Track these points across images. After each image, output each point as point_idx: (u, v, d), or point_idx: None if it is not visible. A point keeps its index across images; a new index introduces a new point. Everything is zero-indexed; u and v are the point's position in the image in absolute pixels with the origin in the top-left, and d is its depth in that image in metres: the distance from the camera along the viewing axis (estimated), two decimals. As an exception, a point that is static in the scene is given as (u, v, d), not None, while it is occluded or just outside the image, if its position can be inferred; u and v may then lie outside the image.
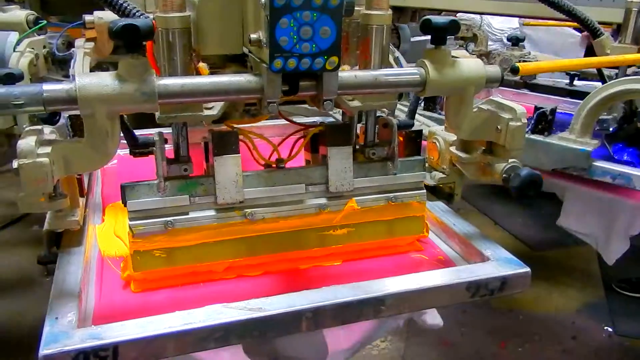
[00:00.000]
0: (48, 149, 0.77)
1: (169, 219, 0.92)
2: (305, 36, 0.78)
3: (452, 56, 0.91)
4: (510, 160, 1.03)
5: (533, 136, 1.55)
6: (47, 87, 0.75)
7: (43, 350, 0.75)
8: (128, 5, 0.95)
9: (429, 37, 0.93)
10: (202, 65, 0.90)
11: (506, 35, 2.45)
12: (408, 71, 0.92)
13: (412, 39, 2.38)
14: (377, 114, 1.03)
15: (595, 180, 1.48)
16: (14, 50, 1.65)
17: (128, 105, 0.77)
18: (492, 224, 4.31)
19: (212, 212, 0.95)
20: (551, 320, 3.23)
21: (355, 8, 0.94)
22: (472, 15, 2.31)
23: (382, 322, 1.09)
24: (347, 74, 0.88)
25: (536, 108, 1.54)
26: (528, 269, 0.97)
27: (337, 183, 1.00)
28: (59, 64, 1.85)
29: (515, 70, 1.21)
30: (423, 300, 0.92)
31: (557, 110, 1.56)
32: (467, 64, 0.92)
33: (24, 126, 1.52)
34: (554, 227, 4.08)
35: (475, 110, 0.98)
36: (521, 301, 3.39)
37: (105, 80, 0.75)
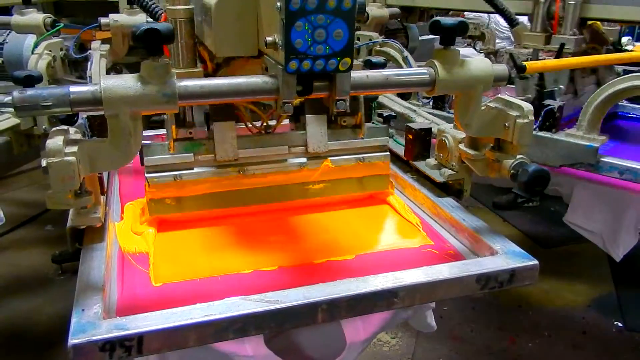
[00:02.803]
0: (74, 148, 0.81)
1: (177, 172, 1.09)
2: (320, 38, 0.82)
3: (461, 56, 0.94)
4: (518, 157, 1.06)
5: (541, 133, 1.58)
6: (73, 89, 0.79)
7: (72, 340, 0.78)
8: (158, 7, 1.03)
9: (437, 36, 0.96)
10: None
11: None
12: (418, 71, 0.95)
13: (421, 38, 2.41)
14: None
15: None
16: (33, 53, 1.70)
17: (150, 106, 0.81)
18: (501, 221, 4.32)
19: (212, 168, 1.13)
20: (561, 316, 3.24)
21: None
22: (480, 14, 2.33)
23: (396, 313, 1.12)
24: (359, 74, 0.91)
25: (543, 106, 1.57)
26: (536, 262, 1.00)
27: (314, 145, 1.18)
28: (73, 65, 1.90)
29: (522, 69, 1.24)
30: (434, 292, 0.95)
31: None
32: (476, 63, 0.95)
33: (43, 127, 1.57)
34: (562, 224, 4.09)
35: (483, 108, 1.01)
36: (530, 297, 3.41)
37: (129, 82, 0.79)
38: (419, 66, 1.11)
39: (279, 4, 0.80)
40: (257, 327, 0.86)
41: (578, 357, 2.87)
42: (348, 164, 1.22)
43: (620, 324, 3.13)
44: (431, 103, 1.90)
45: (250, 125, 1.17)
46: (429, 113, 1.51)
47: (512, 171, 1.06)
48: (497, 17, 3.03)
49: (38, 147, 1.60)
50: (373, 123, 1.36)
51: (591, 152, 1.50)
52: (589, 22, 1.68)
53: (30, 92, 0.78)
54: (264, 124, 1.18)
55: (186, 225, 1.15)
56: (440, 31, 0.93)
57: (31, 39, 1.87)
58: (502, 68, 0.97)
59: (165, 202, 1.11)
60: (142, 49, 0.79)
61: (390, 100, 1.52)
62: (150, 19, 1.16)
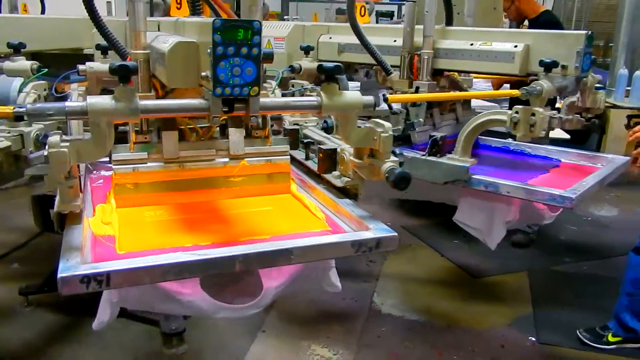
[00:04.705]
0: (67, 144, 1.19)
1: (135, 165, 1.53)
2: (237, 74, 1.23)
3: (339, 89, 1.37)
4: (390, 164, 1.48)
5: (429, 157, 2.02)
6: (68, 104, 1.18)
7: (60, 274, 1.13)
8: (124, 48, 1.46)
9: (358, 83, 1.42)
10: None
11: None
12: (309, 99, 1.37)
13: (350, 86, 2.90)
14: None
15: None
16: (20, 92, 2.07)
17: (121, 117, 1.20)
18: (439, 256, 4.74)
19: (160, 163, 1.55)
20: (484, 334, 3.62)
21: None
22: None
23: (303, 271, 1.55)
24: (267, 99, 1.32)
25: (430, 136, 2.01)
26: (396, 234, 1.39)
27: (234, 149, 1.61)
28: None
29: (386, 99, 1.67)
30: (321, 252, 1.33)
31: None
32: (350, 94, 1.38)
33: (30, 150, 1.93)
34: (491, 258, 4.59)
35: (359, 126, 1.43)
36: (459, 319, 3.79)
37: (106, 100, 1.18)
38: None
39: (209, 50, 1.21)
40: (191, 272, 1.23)
41: (496, 367, 3.24)
42: (259, 164, 1.65)
43: (534, 339, 3.53)
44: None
45: (188, 136, 1.62)
46: (338, 139, 1.92)
47: (386, 174, 1.47)
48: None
49: (22, 168, 1.95)
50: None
51: (464, 171, 1.94)
52: (447, 73, 2.19)
53: (39, 104, 1.16)
54: (199, 134, 1.63)
55: (142, 203, 1.57)
56: (324, 72, 1.36)
57: (18, 81, 2.23)
58: (369, 98, 1.40)
59: (126, 186, 1.54)
60: (117, 78, 1.19)
61: (311, 132, 1.94)
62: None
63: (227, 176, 1.63)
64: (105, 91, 2.17)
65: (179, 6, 2.22)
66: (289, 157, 1.69)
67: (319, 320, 3.61)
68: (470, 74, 2.39)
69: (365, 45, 2.32)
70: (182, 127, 1.56)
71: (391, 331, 3.57)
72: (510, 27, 5.01)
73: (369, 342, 3.37)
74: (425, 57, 2.19)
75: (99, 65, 1.96)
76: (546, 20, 4.81)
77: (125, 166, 1.53)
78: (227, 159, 1.62)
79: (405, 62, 2.30)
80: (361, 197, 1.67)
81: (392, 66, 2.31)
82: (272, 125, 1.68)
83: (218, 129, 1.63)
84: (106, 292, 1.44)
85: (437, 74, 2.27)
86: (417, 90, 2.14)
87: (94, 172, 1.89)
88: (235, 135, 1.60)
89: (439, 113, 2.30)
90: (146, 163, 1.55)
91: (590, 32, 1.97)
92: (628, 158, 2.36)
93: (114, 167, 1.52)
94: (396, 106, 2.08)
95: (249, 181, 1.65)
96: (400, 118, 2.18)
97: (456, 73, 2.23)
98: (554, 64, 1.89)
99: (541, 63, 1.90)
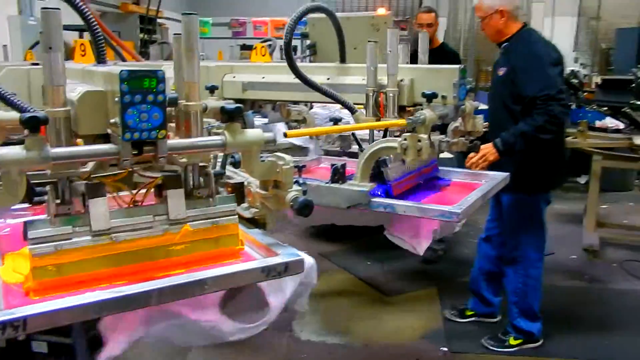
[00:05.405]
0: (-23, 194, 1.22)
1: (57, 242, 1.34)
2: (144, 119, 1.31)
3: (241, 128, 1.49)
4: (294, 193, 1.61)
5: (332, 185, 2.18)
6: (-22, 155, 1.21)
7: None
8: (25, 104, 1.44)
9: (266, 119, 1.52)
10: (79, 140, 1.42)
11: (329, 117, 3.19)
12: (215, 138, 1.48)
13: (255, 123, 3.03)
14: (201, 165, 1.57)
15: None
16: None
17: (32, 165, 1.25)
18: (355, 278, 4.93)
19: (88, 237, 1.38)
20: (400, 348, 3.82)
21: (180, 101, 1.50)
22: (301, 105, 2.99)
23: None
24: (174, 141, 1.42)
25: (332, 165, 2.18)
26: (302, 257, 1.52)
27: (175, 213, 1.47)
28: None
29: (285, 135, 1.82)
30: (234, 279, 1.43)
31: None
32: (251, 132, 1.50)
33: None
34: (404, 275, 4.85)
35: (262, 160, 1.56)
36: (376, 337, 3.97)
37: (17, 150, 1.23)
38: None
39: (117, 99, 1.30)
40: (109, 309, 1.28)
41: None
42: (204, 227, 1.50)
43: (445, 349, 3.77)
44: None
45: (120, 201, 1.53)
46: (243, 171, 2.03)
47: (290, 203, 1.60)
48: (317, 108, 3.79)
49: None
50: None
51: (364, 195, 2.11)
52: (408, 108, 2.30)
53: (-52, 157, 1.19)
54: (132, 199, 1.53)
55: (65, 288, 1.36)
56: (226, 113, 1.48)
57: None
58: (270, 135, 1.53)
59: (47, 268, 1.33)
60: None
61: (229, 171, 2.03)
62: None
63: (167, 245, 1.46)
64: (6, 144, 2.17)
65: (83, 53, 2.27)
66: (236, 216, 1.57)
67: (240, 351, 3.65)
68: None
69: (315, 87, 2.31)
70: (110, 192, 1.46)
71: (312, 357, 3.69)
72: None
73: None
74: (391, 94, 2.26)
75: (4, 113, 1.95)
76: (447, 51, 5.32)
77: (45, 245, 1.32)
78: (166, 225, 1.45)
79: (371, 98, 2.32)
80: (274, 227, 1.79)
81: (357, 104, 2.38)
82: (215, 182, 1.58)
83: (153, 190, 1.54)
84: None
85: (401, 110, 2.31)
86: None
87: (0, 220, 1.88)
88: (175, 196, 1.48)
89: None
90: (71, 239, 1.35)
91: (463, 66, 2.23)
92: (507, 174, 2.66)
93: (30, 247, 1.30)
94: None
95: (193, 248, 1.50)
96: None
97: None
98: (434, 95, 2.12)
99: (423, 95, 2.12)
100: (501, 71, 3.38)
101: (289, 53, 2.26)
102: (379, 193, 2.17)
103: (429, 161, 2.55)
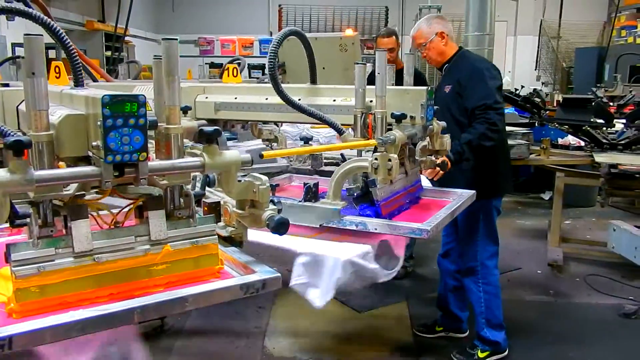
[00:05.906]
0: (-38, 216, 1.24)
1: (40, 264, 1.38)
2: (125, 142, 1.36)
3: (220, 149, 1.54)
4: (269, 212, 1.67)
5: (305, 203, 2.24)
6: (-37, 178, 1.24)
7: None
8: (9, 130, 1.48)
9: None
10: (61, 164, 1.45)
11: (299, 135, 3.27)
12: (194, 159, 1.53)
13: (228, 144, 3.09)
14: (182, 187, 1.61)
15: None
16: None
17: (16, 187, 1.28)
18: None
19: (70, 259, 1.42)
20: (371, 363, 3.87)
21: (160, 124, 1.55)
22: (273, 125, 3.06)
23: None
24: (154, 162, 1.47)
25: (305, 184, 2.25)
26: (279, 274, 1.57)
27: (156, 234, 1.52)
28: None
29: (261, 156, 1.88)
30: (213, 297, 1.48)
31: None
32: (229, 153, 1.56)
33: None
34: (373, 292, 4.93)
35: (239, 180, 1.62)
36: (347, 353, 4.02)
37: (2, 173, 1.26)
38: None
39: (99, 122, 1.34)
40: (93, 327, 1.32)
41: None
42: (185, 247, 1.55)
43: (415, 363, 3.83)
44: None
45: (101, 222, 1.55)
46: (220, 191, 2.07)
47: (266, 221, 1.66)
48: (286, 127, 3.86)
49: None
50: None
51: (336, 212, 2.18)
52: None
53: None
54: (113, 220, 1.56)
55: (48, 309, 1.39)
56: (205, 136, 1.53)
57: None
58: (247, 156, 1.59)
59: (30, 290, 1.36)
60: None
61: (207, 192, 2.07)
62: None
63: (148, 265, 1.51)
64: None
65: (57, 75, 2.29)
66: (216, 237, 1.63)
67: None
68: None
69: (302, 110, 2.35)
70: (92, 213, 1.50)
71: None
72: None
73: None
74: (379, 115, 2.27)
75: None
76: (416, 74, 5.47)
77: (27, 267, 1.35)
78: (147, 246, 1.50)
79: (359, 120, 2.35)
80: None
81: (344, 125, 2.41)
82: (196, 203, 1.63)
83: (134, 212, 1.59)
84: None
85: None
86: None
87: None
88: (156, 217, 1.52)
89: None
90: (53, 260, 1.39)
91: (430, 87, 2.33)
92: (473, 192, 2.76)
93: (13, 269, 1.35)
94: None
95: (174, 268, 1.54)
96: (359, 176, 2.27)
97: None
98: (403, 115, 2.21)
99: (392, 115, 2.21)
100: (447, 88, 3.59)
101: (274, 78, 2.32)
102: (368, 213, 2.23)
103: (414, 181, 2.63)
